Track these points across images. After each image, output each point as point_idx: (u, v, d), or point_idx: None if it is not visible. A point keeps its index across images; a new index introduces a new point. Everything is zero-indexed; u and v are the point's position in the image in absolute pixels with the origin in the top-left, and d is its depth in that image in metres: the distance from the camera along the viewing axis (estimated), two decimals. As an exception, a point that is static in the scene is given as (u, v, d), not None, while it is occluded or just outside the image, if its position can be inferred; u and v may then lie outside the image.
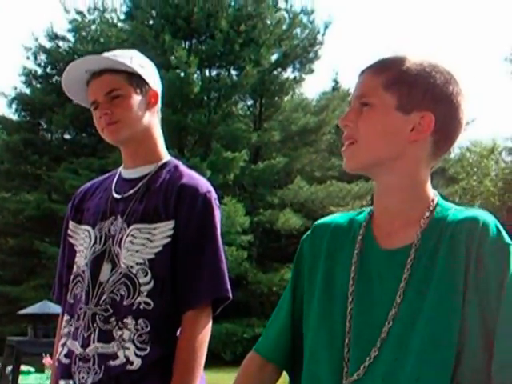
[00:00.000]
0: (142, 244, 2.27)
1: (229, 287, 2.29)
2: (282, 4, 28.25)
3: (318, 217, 1.90)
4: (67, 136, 29.70)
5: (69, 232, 2.46)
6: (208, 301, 2.28)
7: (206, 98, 27.37)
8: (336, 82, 31.17)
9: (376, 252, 1.61)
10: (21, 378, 8.89)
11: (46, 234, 25.31)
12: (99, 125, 2.35)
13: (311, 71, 28.63)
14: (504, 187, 23.54)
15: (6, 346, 9.47)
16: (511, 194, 23.16)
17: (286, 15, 28.15)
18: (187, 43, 27.23)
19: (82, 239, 2.38)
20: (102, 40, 27.78)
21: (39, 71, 29.00)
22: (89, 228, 2.38)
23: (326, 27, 28.21)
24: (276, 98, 28.04)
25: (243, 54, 26.25)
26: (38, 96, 27.94)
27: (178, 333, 2.26)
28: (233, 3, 27.25)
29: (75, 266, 2.37)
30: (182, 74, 24.99)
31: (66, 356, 2.30)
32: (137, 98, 2.35)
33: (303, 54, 27.96)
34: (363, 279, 1.60)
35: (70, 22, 28.98)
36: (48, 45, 28.95)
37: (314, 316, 1.65)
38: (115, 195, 2.38)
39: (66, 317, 2.36)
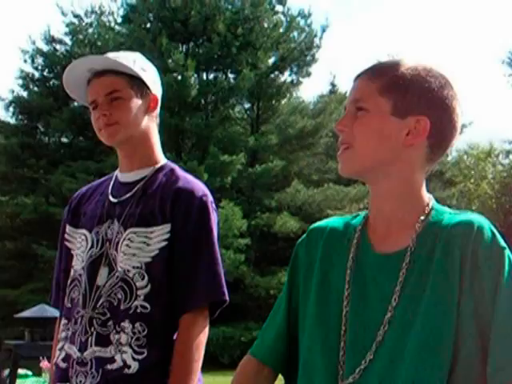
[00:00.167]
0: (138, 248, 2.26)
1: (225, 290, 2.29)
2: (279, 7, 28.32)
3: (316, 220, 1.90)
4: (64, 139, 29.70)
5: (66, 236, 2.46)
6: (205, 304, 2.28)
7: (203, 102, 27.40)
8: (333, 85, 31.29)
9: (371, 256, 1.61)
10: (18, 381, 8.89)
11: (44, 237, 25.28)
12: (97, 125, 2.35)
13: (308, 74, 28.70)
14: (501, 190, 23.52)
15: (3, 349, 9.48)
16: (508, 197, 23.16)
17: (283, 18, 28.24)
18: (184, 46, 27.26)
19: (79, 243, 2.38)
20: (99, 43, 27.78)
21: (36, 74, 29.01)
22: (86, 232, 2.38)
23: (323, 30, 28.32)
24: (273, 101, 28.08)
25: (240, 58, 26.30)
26: (36, 99, 27.95)
27: (175, 336, 2.26)
28: (230, 6, 27.29)
29: (72, 270, 2.37)
30: (180, 78, 25.02)
31: (63, 360, 2.30)
32: (136, 102, 2.35)
33: (300, 57, 28.01)
34: (358, 283, 1.60)
35: (67, 26, 29.01)
36: (45, 48, 28.98)
37: (310, 319, 1.65)
38: (112, 199, 2.38)
39: (64, 321, 2.35)
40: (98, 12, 29.55)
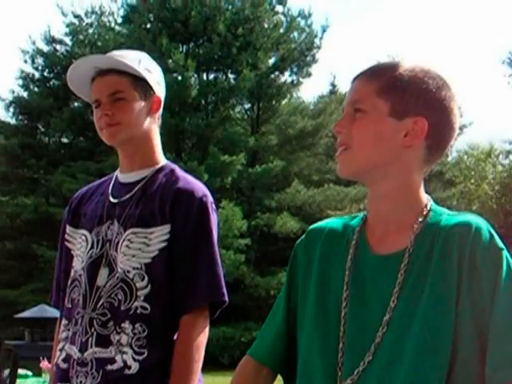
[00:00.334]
0: (138, 248, 2.26)
1: (225, 291, 2.29)
2: (279, 8, 28.33)
3: (316, 220, 1.90)
4: (65, 140, 29.71)
5: (66, 236, 2.46)
6: (205, 305, 2.28)
7: (203, 102, 27.41)
8: (333, 85, 31.29)
9: (369, 257, 1.61)
10: (18, 381, 8.89)
11: (44, 237, 25.29)
12: (98, 124, 2.35)
13: (309, 75, 28.71)
14: (501, 191, 23.54)
15: (4, 349, 9.47)
16: (508, 198, 23.16)
17: (283, 19, 28.25)
18: (185, 47, 27.27)
19: (79, 244, 2.38)
20: (99, 44, 27.79)
21: (37, 75, 29.02)
22: (86, 232, 2.38)
23: (324, 31, 28.35)
24: (273, 102, 28.08)
25: (241, 58, 26.30)
26: (36, 100, 27.95)
27: (175, 336, 2.26)
28: (230, 7, 27.29)
29: (72, 271, 2.37)
30: (180, 78, 25.02)
31: (64, 360, 2.30)
32: (139, 103, 2.35)
33: (300, 57, 28.02)
34: (357, 284, 1.60)
35: (68, 26, 29.02)
36: (45, 48, 28.99)
37: (308, 320, 1.65)
38: (112, 199, 2.38)
39: (64, 321, 2.35)
40: (99, 12, 29.59)
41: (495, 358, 1.45)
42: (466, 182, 24.69)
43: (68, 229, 2.46)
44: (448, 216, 1.59)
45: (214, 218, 2.33)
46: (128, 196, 2.35)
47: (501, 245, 1.52)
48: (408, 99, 1.57)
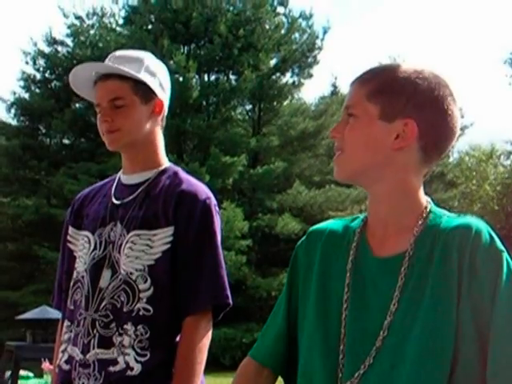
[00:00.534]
0: (141, 250, 2.27)
1: (229, 294, 2.29)
2: (280, 9, 28.33)
3: (317, 221, 1.90)
4: (66, 141, 29.70)
5: (68, 238, 2.46)
6: (208, 307, 2.28)
7: (204, 103, 27.40)
8: (335, 86, 31.27)
9: (370, 259, 1.61)
10: (20, 383, 8.90)
11: (45, 238, 25.29)
12: (100, 128, 2.36)
13: (310, 76, 28.69)
14: (503, 191, 23.52)
15: (5, 351, 9.48)
16: (510, 199, 23.14)
17: (284, 20, 28.22)
18: (186, 48, 27.27)
19: (82, 245, 2.38)
20: (100, 45, 27.78)
21: (38, 76, 29.00)
22: (88, 234, 2.38)
23: (325, 32, 28.31)
24: (275, 103, 28.07)
25: (242, 59, 26.29)
26: (37, 101, 27.94)
27: (178, 338, 2.26)
28: (231, 8, 27.30)
29: (75, 272, 2.37)
30: (181, 79, 25.01)
31: (66, 362, 2.31)
32: (140, 108, 2.35)
33: (302, 58, 28.00)
34: (358, 286, 1.60)
35: (69, 27, 29.00)
36: (47, 50, 28.96)
37: (309, 321, 1.65)
38: (115, 201, 2.38)
39: (67, 323, 2.36)
40: (100, 14, 29.58)
41: (496, 360, 1.45)
42: (468, 183, 24.68)
43: (70, 230, 2.46)
44: (448, 218, 1.59)
45: (217, 221, 2.33)
46: (131, 198, 2.35)
47: (501, 247, 1.52)
48: (397, 101, 1.57)
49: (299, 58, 27.90)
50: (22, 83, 28.90)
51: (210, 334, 2.29)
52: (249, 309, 23.20)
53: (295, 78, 28.55)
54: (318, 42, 28.19)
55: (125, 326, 2.22)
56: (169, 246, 2.26)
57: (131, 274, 2.25)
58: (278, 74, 27.90)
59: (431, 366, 1.47)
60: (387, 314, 1.53)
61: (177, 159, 22.55)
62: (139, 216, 2.30)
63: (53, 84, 28.76)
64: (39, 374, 9.21)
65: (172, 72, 24.64)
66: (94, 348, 2.23)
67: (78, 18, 29.08)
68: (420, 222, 1.58)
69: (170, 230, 2.27)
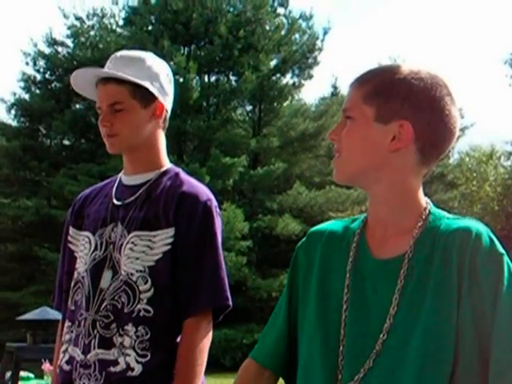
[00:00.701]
0: (142, 251, 2.27)
1: (229, 295, 2.30)
2: (280, 10, 28.33)
3: (318, 222, 1.91)
4: (66, 142, 29.70)
5: (69, 238, 2.46)
6: (208, 308, 2.28)
7: (205, 104, 27.40)
8: (335, 87, 31.28)
9: (369, 261, 1.61)
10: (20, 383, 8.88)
11: (45, 239, 25.30)
12: (102, 131, 2.37)
13: (310, 77, 28.69)
14: (503, 192, 23.52)
15: (6, 352, 9.46)
16: (510, 200, 23.13)
17: (284, 21, 28.22)
18: (186, 49, 27.27)
19: (83, 245, 2.38)
20: (100, 46, 27.79)
21: (38, 77, 28.99)
22: (89, 234, 2.38)
23: (325, 33, 28.32)
24: (275, 104, 28.06)
25: (242, 60, 26.30)
26: (37, 102, 27.93)
27: (178, 339, 2.27)
28: (232, 9, 27.30)
29: (75, 273, 2.38)
30: (181, 80, 25.00)
31: (67, 362, 2.31)
32: (140, 112, 2.34)
33: (302, 59, 28.00)
34: (357, 288, 1.60)
35: (69, 28, 28.99)
36: (47, 50, 28.96)
37: (309, 323, 1.65)
38: (115, 202, 2.38)
39: (67, 323, 2.36)
40: (100, 14, 29.57)
41: (499, 364, 1.45)
42: (468, 184, 24.69)
43: (71, 230, 2.47)
44: (448, 220, 1.59)
45: (218, 222, 2.33)
46: (132, 198, 2.36)
47: (501, 250, 1.52)
48: (393, 103, 1.57)
49: (299, 59, 27.89)
50: (22, 84, 28.92)
51: (210, 335, 2.29)
52: (249, 310, 23.20)
53: (295, 79, 28.58)
54: (319, 42, 28.22)
55: (125, 327, 2.22)
56: (169, 247, 2.26)
57: (132, 274, 2.25)
58: (278, 75, 27.90)
59: (432, 369, 1.47)
60: (387, 316, 1.53)
61: (177, 160, 22.55)
62: (140, 217, 2.30)
63: (53, 85, 28.76)
64: (40, 374, 9.20)
65: (172, 73, 24.66)
66: (94, 348, 2.23)
67: (78, 18, 29.08)
68: (419, 224, 1.58)
69: (170, 231, 2.27)
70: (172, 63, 24.47)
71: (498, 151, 26.39)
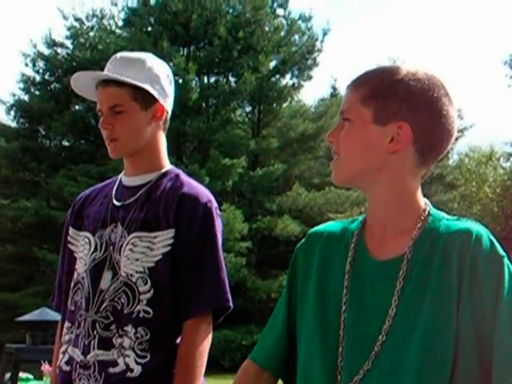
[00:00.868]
0: (141, 252, 2.27)
1: (229, 297, 2.30)
2: (280, 11, 28.35)
3: (317, 223, 1.91)
4: (66, 143, 29.70)
5: (69, 239, 2.46)
6: (208, 310, 2.28)
7: (204, 105, 27.42)
8: (334, 88, 31.30)
9: (368, 262, 1.61)
10: (19, 385, 8.88)
11: (45, 240, 25.30)
12: (103, 134, 2.36)
13: (309, 78, 28.71)
14: (502, 193, 23.51)
15: (5, 353, 9.46)
16: (510, 201, 23.13)
17: (284, 22, 28.24)
18: (185, 50, 27.29)
19: (82, 246, 2.38)
20: (100, 47, 27.80)
21: (38, 78, 29.00)
22: (89, 235, 2.38)
23: (325, 34, 28.36)
24: (274, 105, 28.08)
25: (241, 61, 26.32)
26: (37, 103, 27.94)
27: (178, 340, 2.27)
28: (231, 10, 27.31)
29: (75, 273, 2.38)
30: (181, 81, 25.01)
31: (66, 363, 2.31)
32: (140, 114, 2.34)
33: (301, 60, 28.02)
34: (356, 289, 1.60)
35: (69, 29, 29.00)
36: (46, 52, 28.97)
37: (308, 324, 1.65)
38: (115, 202, 2.38)
39: (67, 324, 2.36)
40: (99, 16, 29.58)
41: (501, 366, 1.45)
42: (467, 185, 24.69)
43: (71, 231, 2.46)
44: (447, 221, 1.59)
45: (218, 224, 2.33)
46: (132, 199, 2.36)
47: (501, 252, 1.52)
48: (390, 104, 1.57)
49: (299, 60, 27.92)
50: (21, 85, 28.94)
51: (210, 336, 2.29)
52: (248, 311, 23.20)
53: (295, 80, 28.60)
54: (318, 43, 28.26)
55: (125, 328, 2.22)
56: (169, 248, 2.26)
57: (131, 275, 2.25)
58: (277, 76, 27.93)
59: (431, 371, 1.46)
60: (386, 318, 1.53)
61: (176, 161, 22.54)
62: (140, 218, 2.30)
63: (52, 86, 28.76)
64: (39, 376, 9.21)
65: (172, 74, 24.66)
66: (94, 349, 2.23)
67: (77, 20, 29.08)
68: (419, 225, 1.58)
69: (170, 233, 2.27)
70: (171, 64, 24.47)
71: (497, 152, 26.40)
